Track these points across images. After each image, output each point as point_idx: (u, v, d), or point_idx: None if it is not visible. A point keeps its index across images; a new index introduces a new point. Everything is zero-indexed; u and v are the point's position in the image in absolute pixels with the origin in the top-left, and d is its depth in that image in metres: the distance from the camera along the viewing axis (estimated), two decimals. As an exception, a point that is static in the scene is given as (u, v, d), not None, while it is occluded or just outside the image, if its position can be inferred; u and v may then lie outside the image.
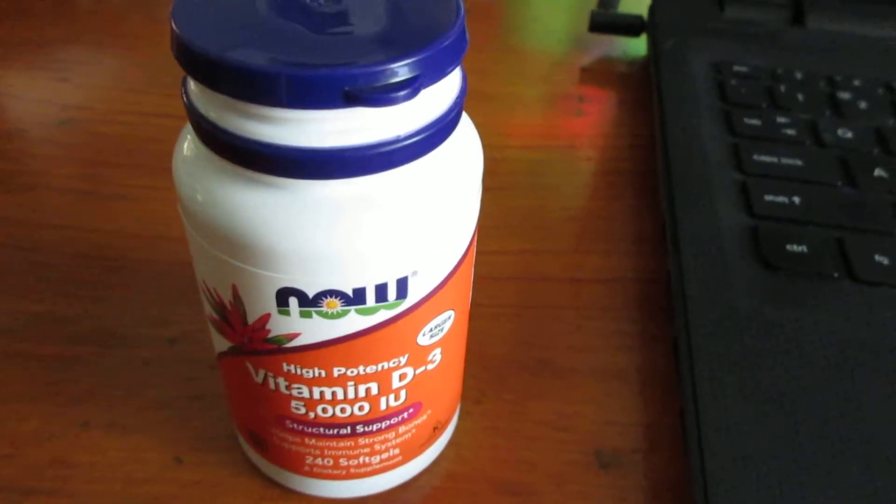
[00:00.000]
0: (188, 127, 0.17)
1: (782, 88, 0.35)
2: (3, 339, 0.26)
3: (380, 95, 0.13)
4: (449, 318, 0.18)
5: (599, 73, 0.42)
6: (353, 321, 0.16)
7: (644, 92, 0.40)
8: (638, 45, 0.44)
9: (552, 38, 0.45)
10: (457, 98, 0.15)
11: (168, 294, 0.28)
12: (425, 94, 0.14)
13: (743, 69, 0.36)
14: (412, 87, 0.13)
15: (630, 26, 0.42)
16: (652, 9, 0.41)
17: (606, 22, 0.42)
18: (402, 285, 0.16)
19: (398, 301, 0.16)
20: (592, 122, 0.38)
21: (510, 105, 0.39)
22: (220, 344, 0.18)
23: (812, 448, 0.20)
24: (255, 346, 0.17)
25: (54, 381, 0.24)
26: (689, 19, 0.40)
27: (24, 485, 0.22)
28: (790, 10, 0.40)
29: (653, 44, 0.39)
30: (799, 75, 0.36)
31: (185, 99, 0.15)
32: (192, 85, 0.15)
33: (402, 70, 0.13)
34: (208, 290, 0.17)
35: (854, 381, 0.22)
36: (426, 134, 0.15)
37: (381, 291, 0.16)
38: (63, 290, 0.28)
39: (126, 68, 0.40)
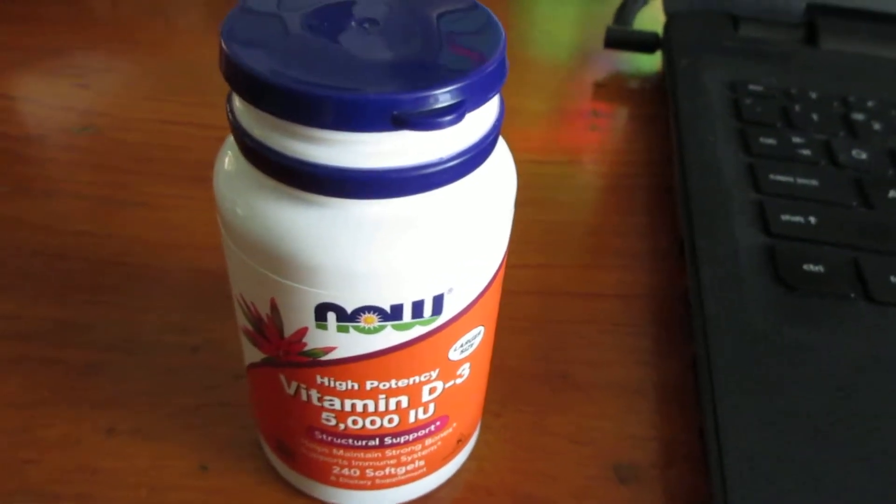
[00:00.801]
0: (229, 141, 0.17)
1: (797, 108, 0.35)
2: (26, 345, 0.26)
3: (427, 120, 0.14)
4: (479, 333, 0.18)
5: (614, 88, 0.43)
6: (389, 336, 0.16)
7: (658, 108, 0.41)
8: (651, 61, 0.45)
9: (567, 53, 0.46)
10: (496, 121, 0.16)
11: (189, 302, 0.28)
12: (468, 117, 0.15)
13: (758, 88, 0.36)
14: (458, 112, 0.14)
15: (645, 43, 0.42)
16: (667, 26, 0.42)
17: (622, 38, 0.42)
18: (438, 302, 0.16)
19: (433, 317, 0.17)
20: (607, 137, 0.39)
21: (525, 119, 0.39)
22: (253, 355, 0.19)
23: (832, 467, 0.21)
24: (290, 358, 0.17)
25: (79, 388, 0.25)
26: (703, 37, 0.40)
27: (50, 490, 0.22)
28: (804, 31, 0.41)
29: (668, 61, 0.39)
30: (813, 95, 0.36)
31: (229, 115, 0.16)
32: (237, 102, 0.16)
33: (448, 96, 0.14)
34: (245, 302, 0.17)
35: (873, 401, 0.23)
36: (467, 156, 0.15)
37: (417, 308, 0.16)
38: (83, 297, 0.28)
39: (144, 75, 0.41)
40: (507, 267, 0.30)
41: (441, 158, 0.15)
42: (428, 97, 0.13)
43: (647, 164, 0.37)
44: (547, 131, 0.39)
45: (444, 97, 0.14)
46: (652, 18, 0.46)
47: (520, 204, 0.34)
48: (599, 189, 0.35)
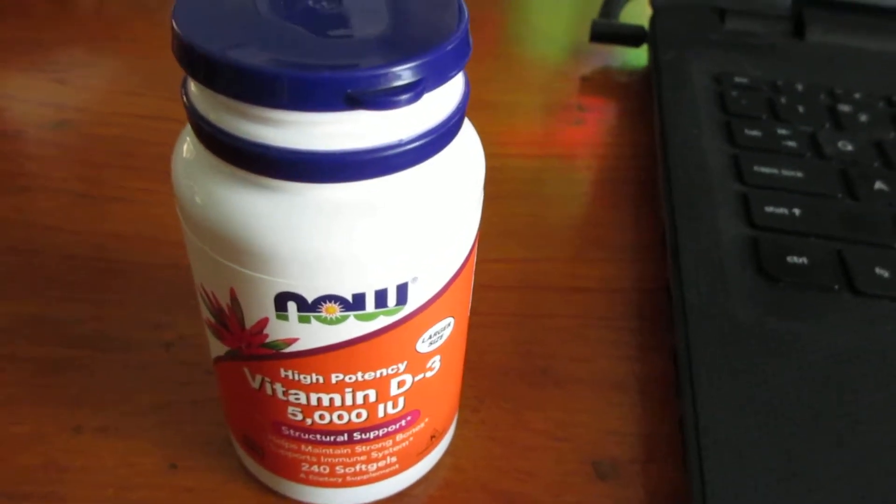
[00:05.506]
0: (188, 129, 0.17)
1: (783, 100, 0.35)
2: (-4, 342, 0.25)
3: (382, 98, 0.13)
4: (448, 325, 0.18)
5: (600, 82, 0.42)
6: (352, 327, 0.16)
7: (644, 102, 0.40)
8: (638, 56, 0.44)
9: (553, 48, 0.45)
10: (459, 103, 0.15)
11: (164, 297, 0.27)
12: (428, 98, 0.14)
13: (743, 80, 0.36)
14: (415, 90, 0.13)
15: (631, 37, 0.42)
16: (653, 20, 0.41)
17: (608, 32, 0.42)
18: (402, 291, 0.16)
19: (398, 307, 0.16)
20: (592, 131, 0.38)
21: (510, 113, 0.39)
22: (217, 349, 0.18)
23: (811, 459, 0.20)
24: (252, 350, 0.17)
25: (47, 385, 0.24)
26: (689, 31, 0.40)
27: (16, 490, 0.21)
28: (791, 23, 0.40)
29: (653, 55, 0.39)
30: (799, 87, 0.36)
31: (185, 100, 0.15)
32: (192, 86, 0.15)
33: (405, 73, 0.13)
34: (206, 293, 0.17)
35: (854, 393, 0.22)
36: (428, 139, 0.14)
37: (380, 297, 0.16)
38: (57, 293, 0.27)
39: (124, 71, 0.40)
40: (487, 261, 0.30)
41: (401, 140, 0.14)
42: (383, 75, 0.13)
43: (632, 157, 0.36)
44: (532, 125, 0.38)
45: (399, 75, 0.13)
46: (638, 12, 0.46)
47: (503, 197, 0.34)
48: (584, 183, 0.35)
